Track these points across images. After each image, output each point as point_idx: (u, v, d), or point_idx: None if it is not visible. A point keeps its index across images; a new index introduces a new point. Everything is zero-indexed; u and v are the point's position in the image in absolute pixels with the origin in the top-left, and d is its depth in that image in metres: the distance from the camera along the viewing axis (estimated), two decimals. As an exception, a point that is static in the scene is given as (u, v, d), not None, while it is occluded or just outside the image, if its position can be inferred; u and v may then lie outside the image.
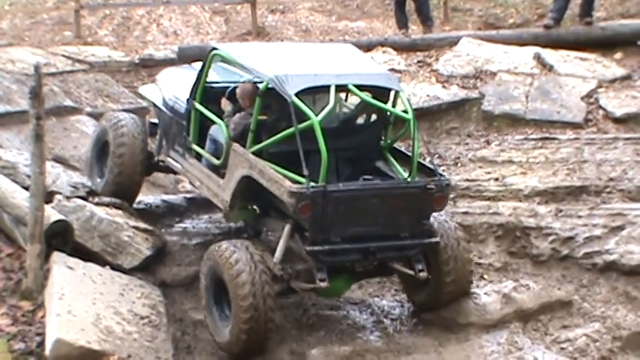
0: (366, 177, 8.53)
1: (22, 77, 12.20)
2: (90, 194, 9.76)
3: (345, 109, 9.28)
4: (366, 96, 8.73)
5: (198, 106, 9.16)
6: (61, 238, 8.64)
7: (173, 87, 9.97)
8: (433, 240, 8.58)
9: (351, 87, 8.52)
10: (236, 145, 8.67)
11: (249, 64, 8.74)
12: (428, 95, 12.26)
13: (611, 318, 9.09)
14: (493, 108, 12.11)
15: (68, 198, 9.38)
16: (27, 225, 8.28)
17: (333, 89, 8.32)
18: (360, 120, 9.27)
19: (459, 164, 11.25)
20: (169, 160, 9.81)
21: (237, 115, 8.97)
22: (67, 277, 8.23)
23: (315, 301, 9.21)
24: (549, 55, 13.02)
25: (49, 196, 8.97)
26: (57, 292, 7.94)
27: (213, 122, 9.05)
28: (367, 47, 14.07)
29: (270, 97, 8.57)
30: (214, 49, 9.18)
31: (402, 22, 15.34)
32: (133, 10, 18.28)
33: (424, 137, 11.84)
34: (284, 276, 8.33)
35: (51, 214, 8.64)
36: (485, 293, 9.17)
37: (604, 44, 13.70)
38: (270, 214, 8.81)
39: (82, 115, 12.69)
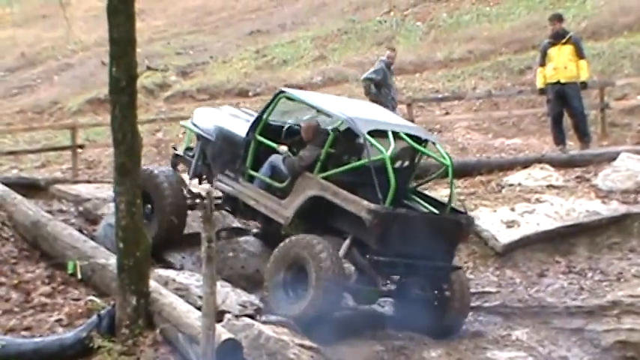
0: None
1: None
2: (257, 312, 10.04)
3: None
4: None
5: (259, 137, 10.61)
6: (230, 357, 8.91)
7: (222, 121, 11.29)
8: (458, 265, 10.32)
9: (402, 134, 10.25)
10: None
11: (323, 107, 10.50)
12: (587, 210, 12.21)
13: None
14: (656, 223, 11.97)
15: (237, 317, 9.61)
16: (199, 344, 8.59)
17: (391, 134, 10.02)
18: (398, 162, 10.52)
19: (622, 279, 11.13)
20: (219, 183, 10.93)
21: (307, 147, 10.41)
22: (237, 394, 8.44)
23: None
24: None
25: (219, 315, 9.22)
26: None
27: (271, 152, 10.58)
28: (524, 164, 14.12)
29: (338, 134, 10.28)
30: (282, 92, 10.73)
31: (559, 139, 15.37)
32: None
33: (584, 253, 11.82)
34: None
35: (221, 332, 8.89)
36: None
37: None
38: (316, 231, 10.13)
39: (249, 236, 13.06)
